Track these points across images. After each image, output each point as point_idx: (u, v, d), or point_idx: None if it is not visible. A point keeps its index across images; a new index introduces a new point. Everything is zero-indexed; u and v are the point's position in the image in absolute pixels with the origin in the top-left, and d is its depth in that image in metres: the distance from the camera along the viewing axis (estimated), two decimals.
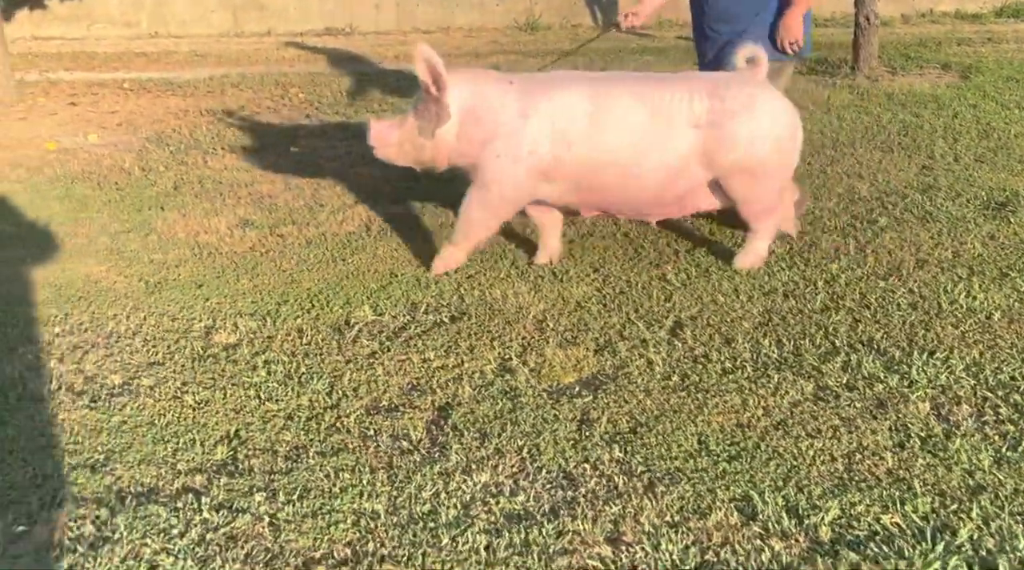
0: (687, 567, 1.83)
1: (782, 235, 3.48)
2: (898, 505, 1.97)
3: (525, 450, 2.23)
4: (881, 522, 1.92)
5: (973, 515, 1.93)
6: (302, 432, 2.35)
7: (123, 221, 3.94)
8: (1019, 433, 2.24)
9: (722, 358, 2.67)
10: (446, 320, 3.00)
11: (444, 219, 3.85)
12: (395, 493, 2.07)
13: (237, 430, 2.37)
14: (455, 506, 2.02)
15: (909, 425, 2.29)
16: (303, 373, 2.67)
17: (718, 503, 1.99)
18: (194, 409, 2.47)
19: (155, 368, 2.71)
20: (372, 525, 1.96)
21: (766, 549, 1.87)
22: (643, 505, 2.00)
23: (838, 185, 4.21)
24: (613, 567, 1.85)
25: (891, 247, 3.45)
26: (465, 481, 2.11)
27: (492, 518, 1.97)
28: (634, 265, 3.39)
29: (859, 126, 5.20)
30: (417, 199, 4.15)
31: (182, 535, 1.95)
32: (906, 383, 2.49)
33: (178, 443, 2.30)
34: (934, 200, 3.94)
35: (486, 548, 1.90)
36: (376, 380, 2.62)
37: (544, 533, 1.91)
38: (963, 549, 1.84)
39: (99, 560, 1.89)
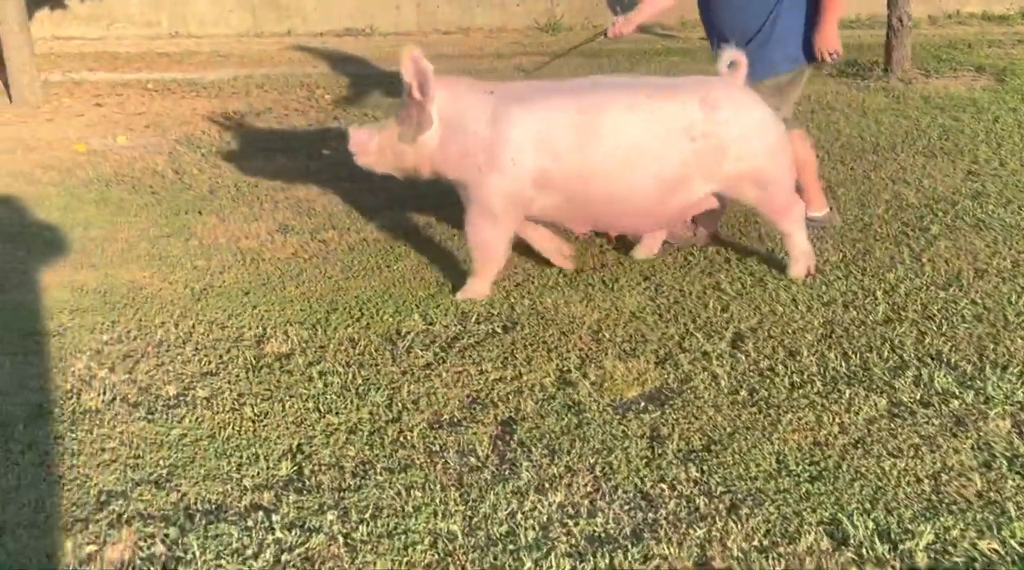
0: None
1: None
2: (994, 530, 1.91)
3: (598, 468, 2.18)
4: (978, 548, 1.86)
5: None
6: (366, 447, 2.30)
7: (162, 226, 3.91)
8: None
9: (789, 372, 2.62)
10: (499, 330, 2.95)
11: None
12: (469, 513, 2.02)
13: (300, 444, 2.32)
14: (533, 527, 1.97)
15: (992, 444, 2.23)
16: (360, 385, 2.62)
17: (806, 527, 1.94)
18: (254, 422, 2.42)
19: (209, 378, 2.67)
20: (450, 547, 1.91)
21: None
22: (728, 528, 1.95)
23: (884, 191, 4.15)
24: None
25: (947, 256, 3.38)
26: (540, 501, 2.05)
27: (573, 541, 1.92)
28: (685, 274, 3.33)
29: (898, 130, 5.13)
30: (460, 203, 4.09)
31: (256, 556, 1.90)
32: (982, 399, 2.43)
33: (241, 458, 2.26)
34: (984, 207, 3.87)
35: None
36: (435, 393, 2.57)
37: (630, 557, 1.86)
38: None
39: None
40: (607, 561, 1.85)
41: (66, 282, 3.33)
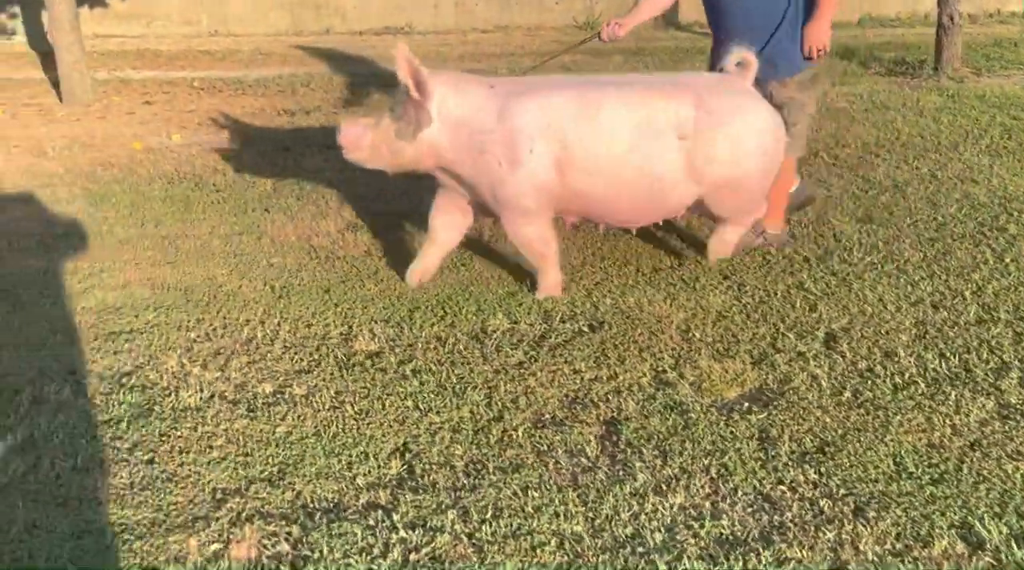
0: None
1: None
2: None
3: (713, 470, 2.16)
4: None
5: None
6: (473, 446, 2.29)
7: (231, 223, 3.90)
8: None
9: (889, 373, 2.58)
10: (585, 329, 2.92)
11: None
12: (591, 514, 2.01)
13: (406, 443, 2.31)
14: (658, 529, 1.95)
15: None
16: (455, 383, 2.60)
17: (937, 530, 1.91)
18: (356, 420, 2.42)
19: (304, 376, 2.66)
20: (578, 548, 1.90)
21: None
22: (858, 531, 1.92)
23: (954, 190, 4.10)
24: None
25: None
26: (661, 503, 2.03)
27: (702, 543, 1.90)
28: (767, 273, 3.30)
29: (958, 129, 5.07)
30: None
31: (384, 555, 1.89)
32: None
33: (351, 456, 2.25)
34: None
35: None
36: (533, 392, 2.55)
37: (763, 560, 1.84)
38: None
39: None
40: (740, 564, 1.83)
41: (145, 280, 3.33)
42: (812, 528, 1.94)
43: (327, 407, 2.48)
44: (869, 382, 2.53)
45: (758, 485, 2.10)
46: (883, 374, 2.57)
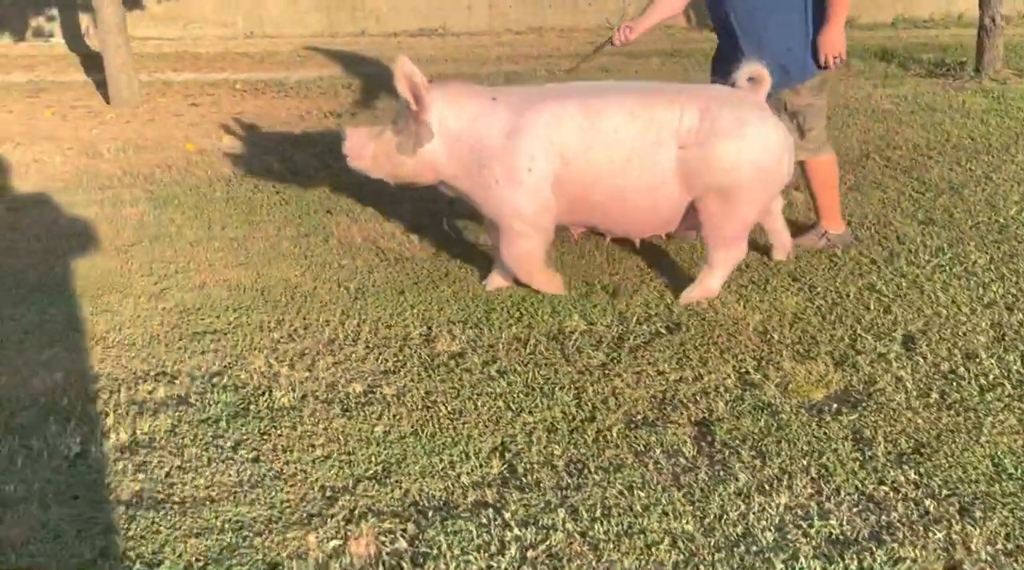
0: None
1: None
2: None
3: (813, 470, 2.19)
4: None
5: None
6: (571, 446, 2.32)
7: (296, 225, 3.94)
8: None
9: (973, 375, 2.60)
10: (663, 331, 2.95)
11: None
12: (699, 513, 2.04)
13: (503, 442, 2.35)
14: (768, 529, 1.98)
15: None
16: (542, 384, 2.63)
17: None
18: (451, 420, 2.46)
19: (391, 376, 2.70)
20: (692, 547, 1.93)
21: None
22: (967, 532, 1.94)
23: (1011, 192, 4.10)
24: None
25: None
26: (766, 502, 2.06)
27: (814, 542, 1.93)
28: (836, 275, 3.32)
29: (1008, 131, 5.07)
30: None
31: (501, 552, 1.93)
32: None
33: (451, 455, 2.28)
34: None
35: None
36: (621, 393, 2.58)
37: (878, 560, 1.86)
38: None
39: None
40: (856, 563, 1.86)
41: (221, 281, 3.38)
42: (921, 528, 1.97)
43: (420, 407, 2.52)
44: (954, 384, 2.55)
45: (860, 485, 2.12)
46: (967, 376, 2.59)
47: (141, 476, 2.22)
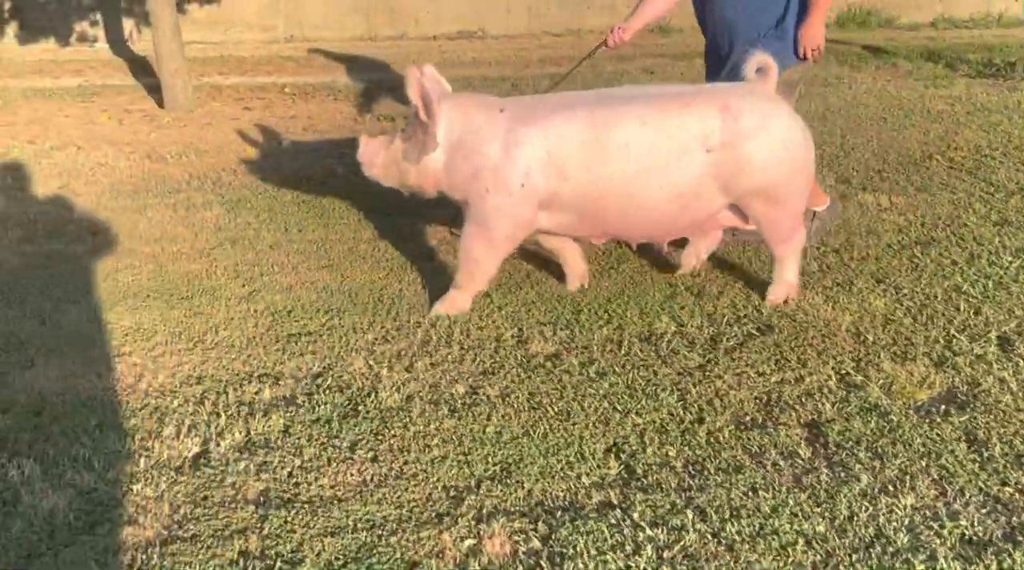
0: None
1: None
2: None
3: (933, 471, 2.19)
4: None
5: None
6: (685, 447, 2.34)
7: (371, 227, 3.98)
8: None
9: None
10: (755, 332, 2.96)
11: None
12: (828, 514, 2.04)
13: (616, 443, 2.36)
14: (900, 530, 1.98)
15: None
16: (644, 385, 2.65)
17: None
18: (560, 421, 2.47)
19: (491, 377, 2.72)
20: (827, 548, 1.93)
21: None
22: None
23: None
24: None
25: None
26: (893, 504, 2.06)
27: (949, 544, 1.93)
28: (919, 276, 3.31)
29: None
30: None
31: (636, 552, 1.94)
32: None
33: (568, 456, 2.30)
34: None
35: None
36: (725, 394, 2.59)
37: (1016, 561, 1.86)
38: None
39: None
40: (996, 564, 1.86)
41: (307, 283, 3.41)
42: None
43: (526, 408, 2.54)
44: None
45: (983, 487, 2.12)
46: None
47: (265, 476, 2.25)
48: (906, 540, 1.96)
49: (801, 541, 1.96)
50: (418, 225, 3.97)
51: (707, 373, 2.71)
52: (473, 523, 2.06)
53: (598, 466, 2.27)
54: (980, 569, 1.86)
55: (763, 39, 3.38)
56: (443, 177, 3.06)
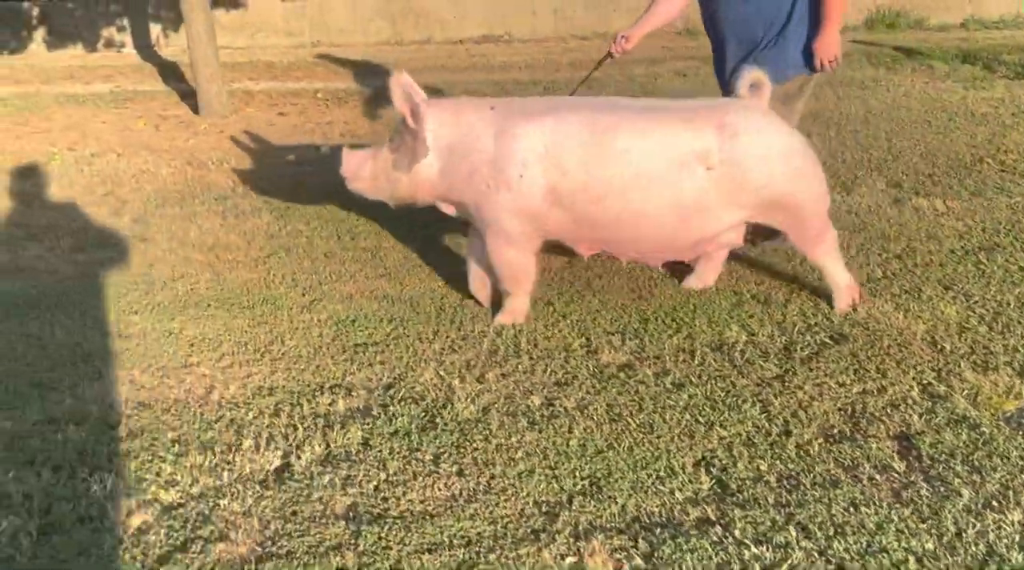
0: None
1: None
2: None
3: None
4: None
5: None
6: (777, 461, 2.29)
7: (423, 236, 3.92)
8: None
9: None
10: (828, 341, 2.92)
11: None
12: (935, 531, 1.99)
13: (704, 456, 2.32)
14: (1013, 547, 1.93)
15: None
16: (724, 397, 2.60)
17: None
18: (643, 433, 2.43)
19: (565, 388, 2.68)
20: (939, 566, 1.88)
21: None
22: None
23: None
24: None
25: None
26: (1001, 519, 2.02)
27: None
28: (987, 282, 3.26)
29: None
30: None
31: None
32: None
33: (657, 470, 2.26)
34: None
35: None
36: (808, 405, 2.54)
37: None
38: None
39: None
40: None
41: (367, 292, 3.38)
42: None
43: (606, 420, 2.50)
44: None
45: None
46: None
47: (351, 490, 2.21)
48: (1021, 559, 1.92)
49: (912, 559, 1.91)
50: (470, 233, 3.95)
51: (786, 384, 2.67)
52: (571, 540, 2.02)
53: (689, 480, 2.23)
54: None
55: (760, 52, 3.34)
56: (439, 181, 3.02)
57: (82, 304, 3.31)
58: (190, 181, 4.83)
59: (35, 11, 9.19)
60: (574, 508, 2.13)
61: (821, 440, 2.38)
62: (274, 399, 2.66)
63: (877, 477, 2.21)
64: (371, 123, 6.00)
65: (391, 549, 2.01)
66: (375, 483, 2.25)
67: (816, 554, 1.96)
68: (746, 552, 1.96)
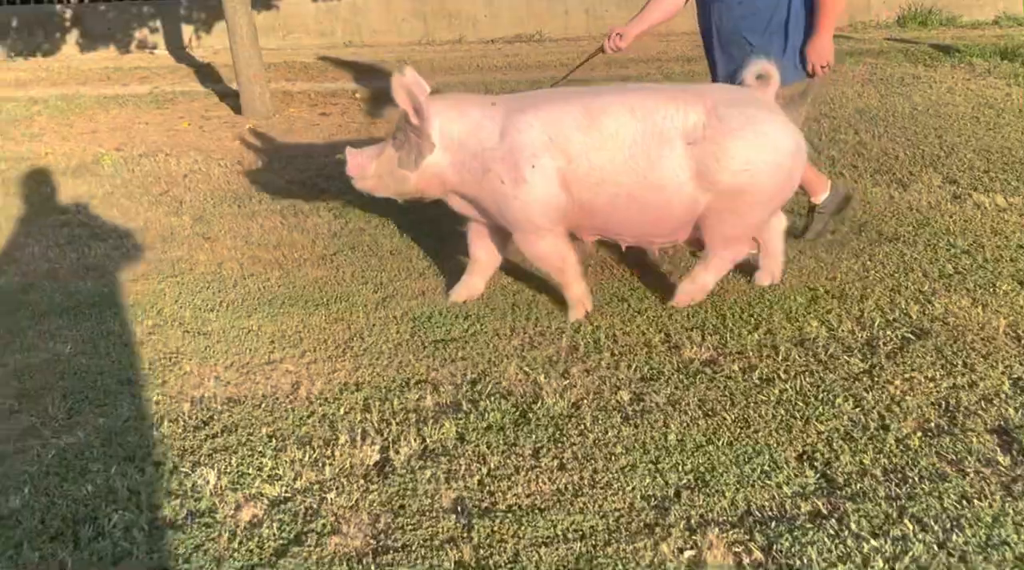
0: None
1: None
2: None
3: None
4: None
5: None
6: (878, 454, 2.28)
7: None
8: None
9: None
10: (910, 336, 2.91)
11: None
12: None
13: (805, 451, 2.32)
14: None
15: None
16: (813, 391, 2.59)
17: None
18: (740, 428, 2.42)
19: (653, 384, 2.67)
20: None
21: None
22: None
23: None
24: None
25: None
26: None
27: None
28: None
29: None
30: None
31: (866, 564, 1.89)
32: None
33: (761, 464, 2.25)
34: None
35: None
36: (901, 400, 2.53)
37: None
38: None
39: None
40: None
41: (439, 289, 3.37)
42: None
43: (700, 415, 2.50)
44: None
45: None
46: None
47: (456, 484, 2.22)
48: None
49: None
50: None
51: (875, 379, 2.66)
52: (686, 534, 2.02)
53: (794, 475, 2.22)
54: None
55: (756, 56, 3.21)
56: (451, 176, 3.03)
57: (156, 302, 3.33)
58: (243, 181, 4.83)
59: (68, 13, 9.26)
60: (683, 502, 2.13)
61: (920, 434, 2.37)
62: (362, 395, 2.67)
63: (984, 471, 2.20)
64: None
65: (506, 542, 2.02)
66: (478, 477, 2.26)
67: (936, 547, 1.95)
68: (864, 545, 1.96)
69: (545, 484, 2.22)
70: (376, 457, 2.35)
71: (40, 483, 2.27)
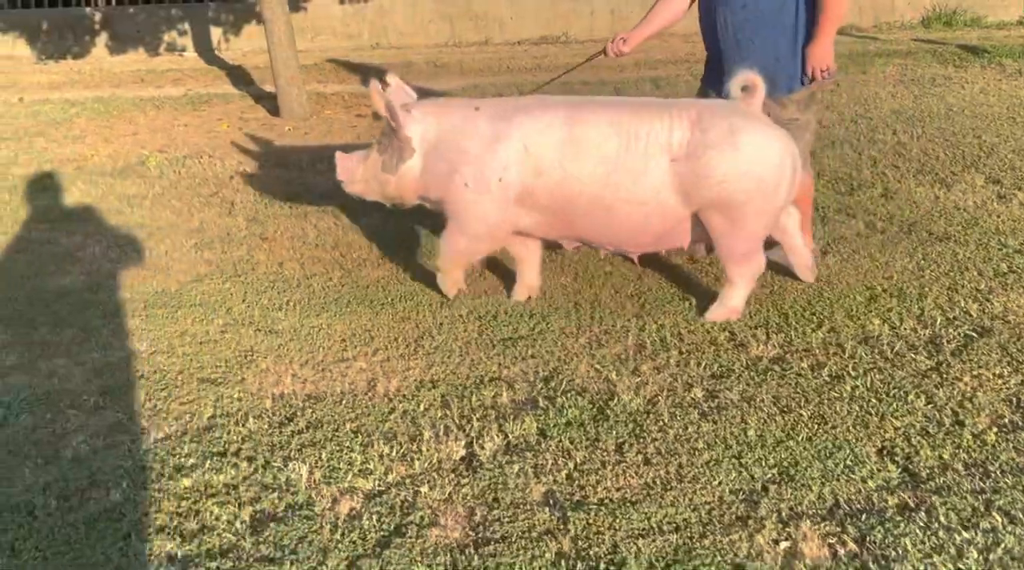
0: None
1: None
2: None
3: None
4: None
5: None
6: (959, 450, 2.31)
7: None
8: None
9: None
10: (972, 334, 2.95)
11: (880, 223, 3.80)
12: None
13: (884, 446, 2.36)
14: None
15: None
16: (883, 388, 2.64)
17: None
18: (818, 424, 2.46)
19: (725, 381, 2.72)
20: None
21: None
22: None
23: None
24: None
25: None
26: None
27: None
28: None
29: None
30: (862, 214, 4.09)
31: (961, 555, 1.93)
32: None
33: (843, 459, 2.29)
34: None
35: None
36: (972, 396, 2.58)
37: None
38: None
39: None
40: None
41: (499, 288, 3.43)
42: None
43: (777, 412, 2.54)
44: None
45: None
46: None
47: (545, 478, 2.27)
48: None
49: None
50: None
51: (944, 376, 2.70)
52: (779, 526, 2.06)
53: (877, 469, 2.27)
54: None
55: (766, 61, 3.24)
56: (420, 181, 3.11)
57: (225, 301, 3.39)
58: (288, 182, 4.89)
59: (97, 16, 9.34)
60: (771, 496, 2.18)
61: (995, 430, 2.42)
62: (439, 391, 2.72)
63: None
64: None
65: (603, 534, 2.06)
66: (566, 472, 2.30)
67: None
68: (956, 537, 2.00)
69: (633, 478, 2.27)
70: (462, 452, 2.41)
71: (137, 477, 2.33)
